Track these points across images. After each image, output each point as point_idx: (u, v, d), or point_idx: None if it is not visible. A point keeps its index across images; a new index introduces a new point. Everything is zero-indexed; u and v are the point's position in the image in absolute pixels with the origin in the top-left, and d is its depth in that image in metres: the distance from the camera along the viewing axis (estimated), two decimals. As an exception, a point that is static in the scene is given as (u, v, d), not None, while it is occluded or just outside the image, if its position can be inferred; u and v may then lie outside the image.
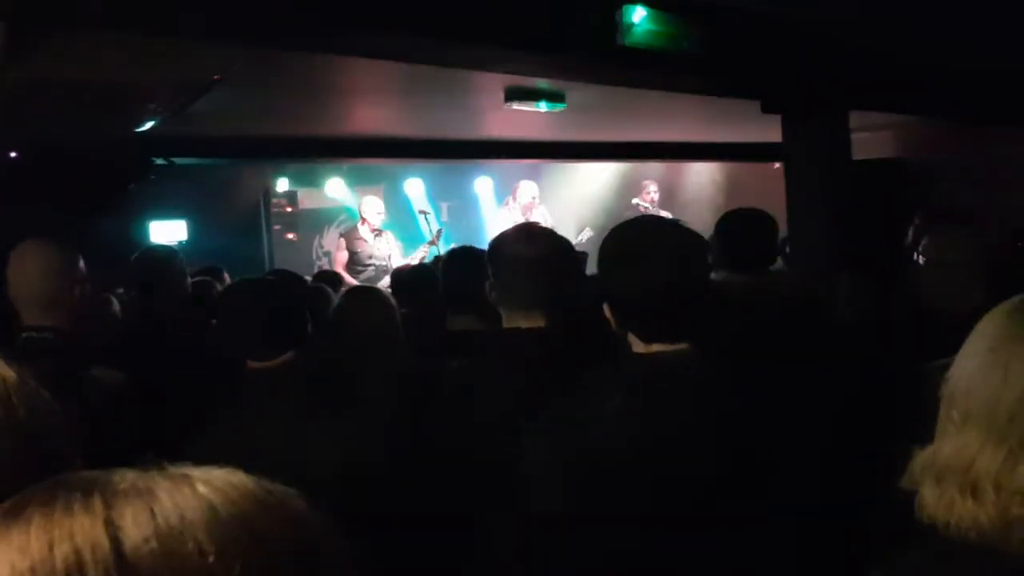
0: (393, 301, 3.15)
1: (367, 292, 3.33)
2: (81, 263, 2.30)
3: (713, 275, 2.78)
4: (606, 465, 1.49)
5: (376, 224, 7.55)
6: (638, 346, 1.59)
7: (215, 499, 0.55)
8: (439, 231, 7.75)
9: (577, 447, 1.53)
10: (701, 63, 4.38)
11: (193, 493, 0.55)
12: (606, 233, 1.70)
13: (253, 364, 2.05)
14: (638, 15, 3.96)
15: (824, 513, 1.55)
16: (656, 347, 1.57)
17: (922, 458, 1.06)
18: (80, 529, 0.51)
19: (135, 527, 0.52)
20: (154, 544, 0.51)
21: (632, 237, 1.65)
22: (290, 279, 3.65)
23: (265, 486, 0.59)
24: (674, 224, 1.72)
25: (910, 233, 4.08)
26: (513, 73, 4.98)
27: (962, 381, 1.04)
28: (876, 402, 2.07)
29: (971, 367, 1.04)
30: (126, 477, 0.56)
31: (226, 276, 4.82)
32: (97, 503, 0.53)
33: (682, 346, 1.56)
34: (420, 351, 2.94)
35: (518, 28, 3.73)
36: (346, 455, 1.93)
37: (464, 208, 10.13)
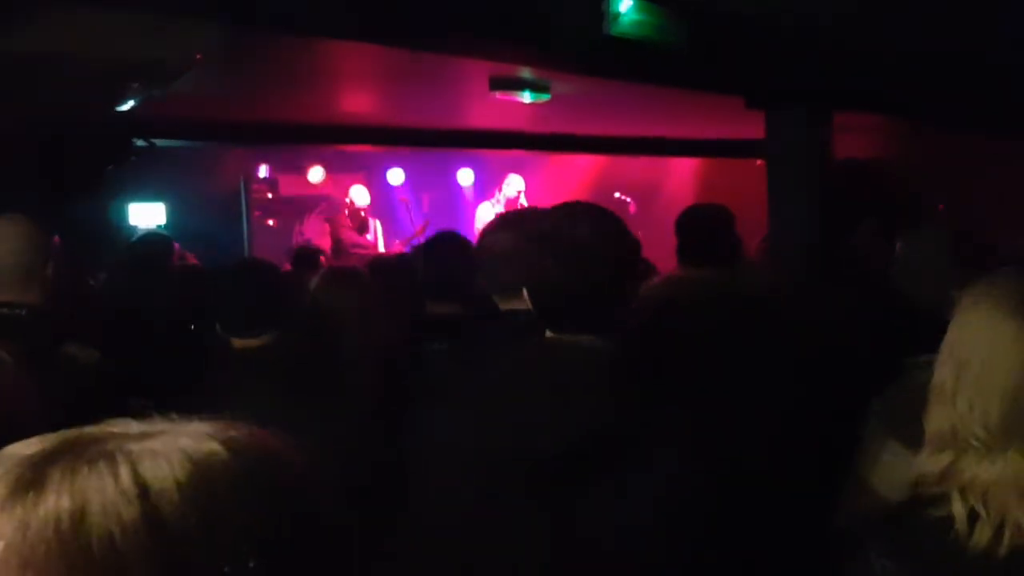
0: (372, 283, 3.14)
1: (345, 273, 3.32)
2: (55, 240, 2.29)
3: (680, 271, 2.81)
4: (498, 444, 1.50)
5: (364, 212, 7.56)
6: (550, 333, 1.62)
7: (224, 450, 0.56)
8: (426, 223, 7.74)
9: (476, 426, 1.56)
10: (687, 56, 4.39)
11: (204, 443, 0.56)
12: None
13: (238, 343, 2.07)
14: (625, 4, 3.96)
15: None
16: (566, 336, 1.58)
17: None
18: (108, 487, 0.51)
19: (158, 480, 0.52)
20: (177, 496, 0.52)
21: (550, 225, 1.64)
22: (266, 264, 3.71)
23: (265, 435, 0.61)
24: (599, 216, 1.67)
25: (858, 235, 4.11)
26: (498, 60, 4.96)
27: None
28: (837, 401, 2.08)
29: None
30: (134, 431, 0.57)
31: (191, 259, 4.82)
32: (120, 460, 0.53)
33: (587, 337, 1.56)
34: (399, 335, 2.95)
35: (504, 14, 3.71)
36: (326, 440, 1.93)
37: (445, 199, 10.11)
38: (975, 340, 1.10)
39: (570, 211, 1.72)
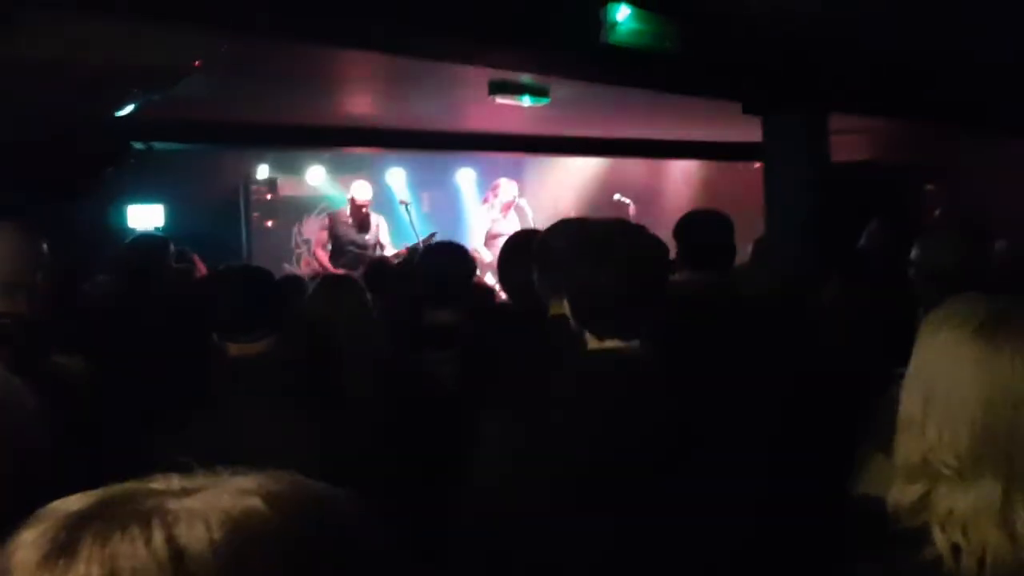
0: (366, 291, 3.16)
1: (340, 281, 3.34)
2: (44, 247, 2.26)
3: (677, 275, 2.84)
4: (549, 456, 1.55)
5: (365, 209, 7.49)
6: (592, 342, 1.67)
7: (266, 507, 0.54)
8: (432, 234, 7.66)
9: (526, 438, 1.60)
10: (684, 63, 4.41)
11: (245, 500, 0.54)
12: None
13: (234, 349, 2.08)
14: (622, 13, 3.98)
15: (771, 506, 1.59)
16: (609, 343, 1.65)
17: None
18: (140, 552, 0.50)
19: (193, 543, 0.51)
20: (212, 559, 0.50)
21: (593, 237, 1.72)
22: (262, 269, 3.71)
23: (308, 486, 0.59)
24: (634, 227, 1.78)
25: (864, 237, 4.14)
26: (497, 68, 4.98)
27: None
28: (839, 402, 2.10)
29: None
30: (175, 487, 0.56)
31: (196, 260, 4.82)
32: (156, 523, 0.51)
33: (633, 344, 1.63)
34: (396, 343, 2.97)
35: (503, 23, 3.74)
36: (326, 448, 1.94)
37: (445, 199, 10.12)
38: (938, 367, 1.10)
39: (613, 223, 1.82)
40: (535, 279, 2.25)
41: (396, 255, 7.24)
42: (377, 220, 7.59)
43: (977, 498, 1.03)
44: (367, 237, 7.49)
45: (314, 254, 7.68)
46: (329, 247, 7.45)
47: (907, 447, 1.11)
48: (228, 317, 2.11)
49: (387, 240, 7.58)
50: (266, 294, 2.16)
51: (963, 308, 1.12)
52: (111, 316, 3.50)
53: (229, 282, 2.21)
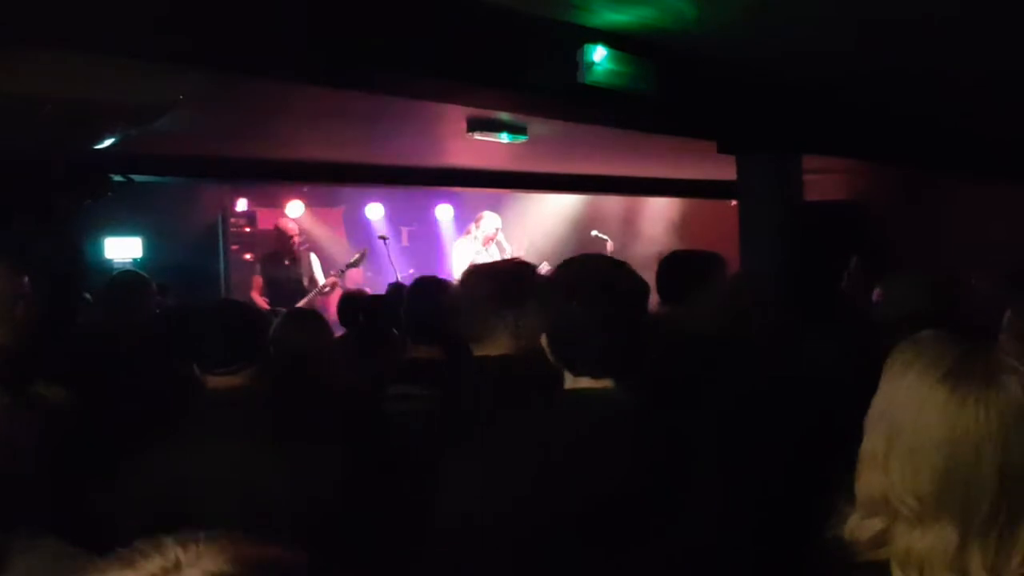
0: (328, 326, 3.18)
1: (305, 315, 3.35)
2: (25, 279, 2.29)
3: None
4: (522, 496, 1.54)
5: (295, 243, 7.36)
6: (568, 380, 1.67)
7: None
8: (363, 251, 7.63)
9: (497, 479, 1.59)
10: (659, 103, 4.49)
11: None
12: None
13: (212, 382, 2.11)
14: (599, 55, 4.05)
15: (739, 545, 1.60)
16: (583, 382, 1.65)
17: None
18: None
19: None
20: None
21: (572, 274, 1.72)
22: (243, 303, 3.73)
23: (270, 559, 0.61)
24: (615, 264, 1.76)
25: (845, 276, 4.21)
26: (476, 107, 5.05)
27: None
28: (816, 439, 2.13)
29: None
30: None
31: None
32: None
33: (606, 383, 1.63)
34: (375, 378, 2.97)
35: (482, 63, 3.80)
36: (297, 481, 1.96)
37: (424, 234, 10.16)
38: (904, 408, 1.11)
39: (593, 260, 1.81)
40: (457, 320, 2.23)
41: (325, 285, 7.15)
42: (308, 255, 7.45)
43: (935, 541, 1.05)
44: (300, 270, 7.32)
45: (251, 299, 7.28)
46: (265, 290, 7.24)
47: (868, 482, 1.13)
48: (206, 351, 2.13)
49: (319, 273, 7.41)
50: (243, 328, 2.18)
51: (931, 351, 1.13)
52: (93, 349, 3.51)
53: (208, 316, 2.23)
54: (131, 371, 3.08)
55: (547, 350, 1.69)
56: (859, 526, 1.12)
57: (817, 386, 2.49)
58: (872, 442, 1.14)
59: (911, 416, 1.10)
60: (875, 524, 1.10)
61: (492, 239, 8.17)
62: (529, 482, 1.56)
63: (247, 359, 2.12)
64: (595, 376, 1.64)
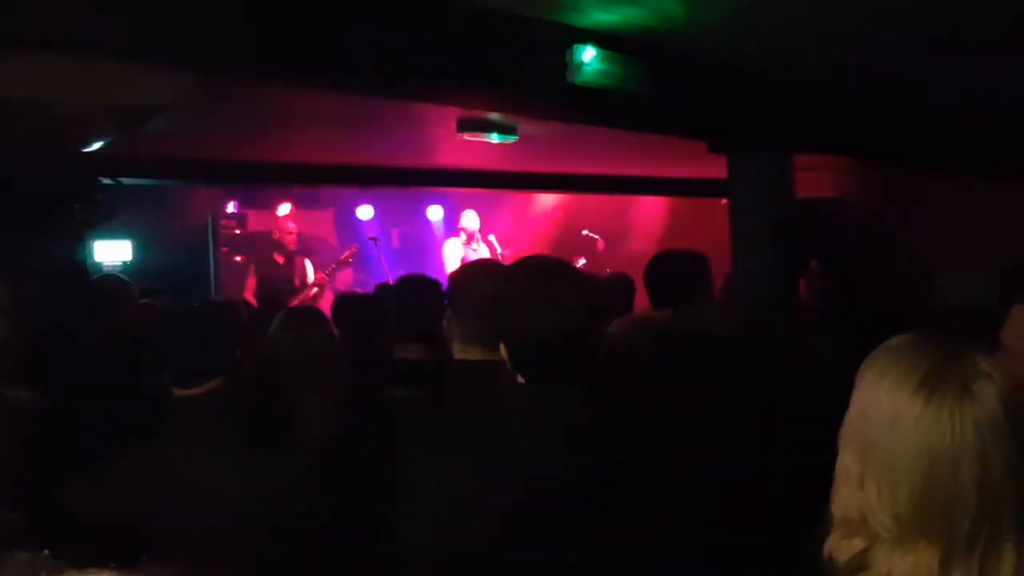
0: (331, 325, 3.14)
1: (305, 314, 3.30)
2: (3, 286, 2.30)
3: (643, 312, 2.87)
4: (460, 499, 1.56)
5: (290, 246, 7.39)
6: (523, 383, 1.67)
7: None
8: (352, 250, 7.66)
9: (453, 481, 1.61)
10: (649, 103, 4.49)
11: None
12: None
13: (179, 392, 2.09)
14: (588, 55, 4.05)
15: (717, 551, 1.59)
16: (544, 386, 1.64)
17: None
18: None
19: None
20: None
21: (523, 280, 1.72)
22: (219, 306, 3.70)
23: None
24: (565, 268, 1.76)
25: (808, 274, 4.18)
26: (466, 107, 5.04)
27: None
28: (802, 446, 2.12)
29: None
30: None
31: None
32: None
33: (567, 386, 1.62)
34: (364, 379, 2.95)
35: (470, 65, 3.79)
36: (261, 488, 1.94)
37: (416, 235, 10.15)
38: (878, 422, 1.06)
39: (542, 264, 1.79)
40: (447, 322, 2.21)
41: (314, 284, 7.18)
42: (300, 260, 7.48)
43: (915, 564, 1.01)
44: (293, 272, 7.36)
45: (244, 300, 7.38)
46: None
47: (845, 501, 1.09)
48: (171, 364, 2.12)
49: (311, 276, 7.46)
50: (212, 337, 2.16)
51: (906, 358, 1.09)
52: (66, 352, 3.49)
53: (174, 326, 2.21)
54: (101, 377, 3.05)
55: (505, 357, 1.70)
56: (838, 546, 1.08)
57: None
58: (846, 458, 1.10)
59: (885, 430, 1.05)
60: (854, 545, 1.06)
61: (473, 236, 8.22)
62: (474, 484, 1.56)
63: (212, 371, 2.10)
64: (552, 381, 1.64)
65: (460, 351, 2.15)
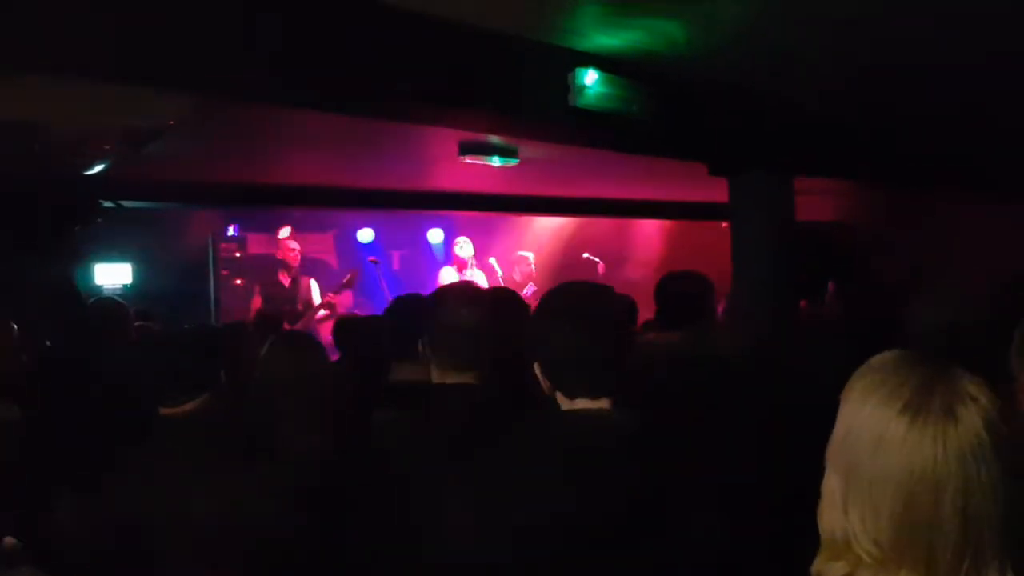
0: (323, 349, 3.12)
1: (296, 339, 3.28)
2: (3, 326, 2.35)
3: (653, 334, 2.87)
4: (526, 515, 1.55)
5: (294, 265, 7.43)
6: (564, 403, 1.69)
7: None
8: (354, 272, 7.69)
9: (500, 498, 1.60)
10: (651, 126, 4.50)
11: None
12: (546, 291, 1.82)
13: (164, 411, 2.16)
14: (590, 78, 4.06)
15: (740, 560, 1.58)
16: (579, 403, 1.67)
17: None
18: None
19: None
20: None
21: (561, 301, 1.76)
22: (207, 328, 3.72)
23: None
24: (602, 290, 1.81)
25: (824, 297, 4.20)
26: (467, 130, 5.05)
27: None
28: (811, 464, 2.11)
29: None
30: None
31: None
32: None
33: (602, 403, 1.66)
34: (360, 402, 2.92)
35: (473, 88, 3.80)
36: (241, 509, 1.96)
37: (416, 257, 10.14)
38: (863, 441, 1.04)
39: (580, 287, 1.83)
40: (429, 347, 2.22)
41: (320, 306, 7.21)
42: (305, 279, 7.53)
43: None
44: (298, 293, 7.41)
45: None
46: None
47: (829, 522, 1.07)
48: (154, 382, 2.18)
49: (316, 299, 7.51)
50: (194, 359, 2.22)
51: (893, 378, 1.06)
52: (54, 373, 3.50)
53: (160, 346, 2.28)
54: (93, 397, 3.07)
55: (539, 377, 1.72)
56: (824, 568, 1.06)
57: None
58: (832, 479, 1.08)
59: (868, 452, 1.03)
60: (839, 568, 1.04)
61: (465, 264, 8.25)
62: (528, 504, 1.56)
63: (195, 391, 2.17)
64: (591, 398, 1.66)
65: (438, 376, 2.18)
